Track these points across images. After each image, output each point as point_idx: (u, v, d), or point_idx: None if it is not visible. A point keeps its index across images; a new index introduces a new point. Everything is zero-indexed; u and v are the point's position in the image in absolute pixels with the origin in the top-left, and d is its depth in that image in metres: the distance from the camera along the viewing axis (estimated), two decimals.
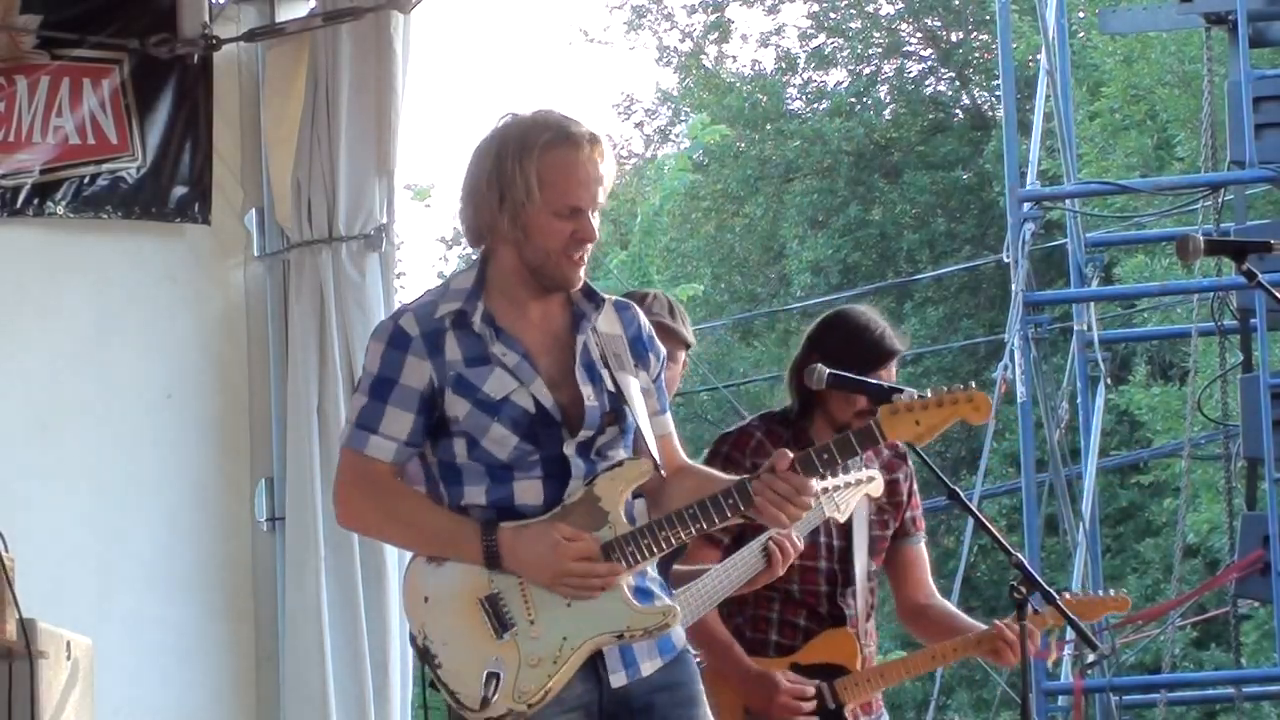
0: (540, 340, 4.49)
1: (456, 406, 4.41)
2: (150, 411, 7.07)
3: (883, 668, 5.77)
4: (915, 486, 5.93)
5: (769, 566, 5.40)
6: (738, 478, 4.45)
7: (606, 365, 4.48)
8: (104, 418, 7.01)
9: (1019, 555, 5.07)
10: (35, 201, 6.94)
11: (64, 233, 7.02)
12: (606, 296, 4.60)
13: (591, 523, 4.38)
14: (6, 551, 5.43)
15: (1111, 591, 6.07)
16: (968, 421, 4.58)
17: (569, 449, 4.44)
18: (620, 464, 4.46)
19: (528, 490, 4.42)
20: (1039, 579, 5.06)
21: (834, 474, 5.32)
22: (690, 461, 4.64)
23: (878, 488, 5.60)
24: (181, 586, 7.02)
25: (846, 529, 5.67)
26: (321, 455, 6.95)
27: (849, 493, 5.51)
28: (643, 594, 4.45)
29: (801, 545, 5.35)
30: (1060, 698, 12.16)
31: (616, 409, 4.47)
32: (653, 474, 4.48)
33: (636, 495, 4.49)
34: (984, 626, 5.73)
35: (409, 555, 4.50)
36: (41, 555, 6.11)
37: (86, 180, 7.02)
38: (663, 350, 4.66)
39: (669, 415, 4.62)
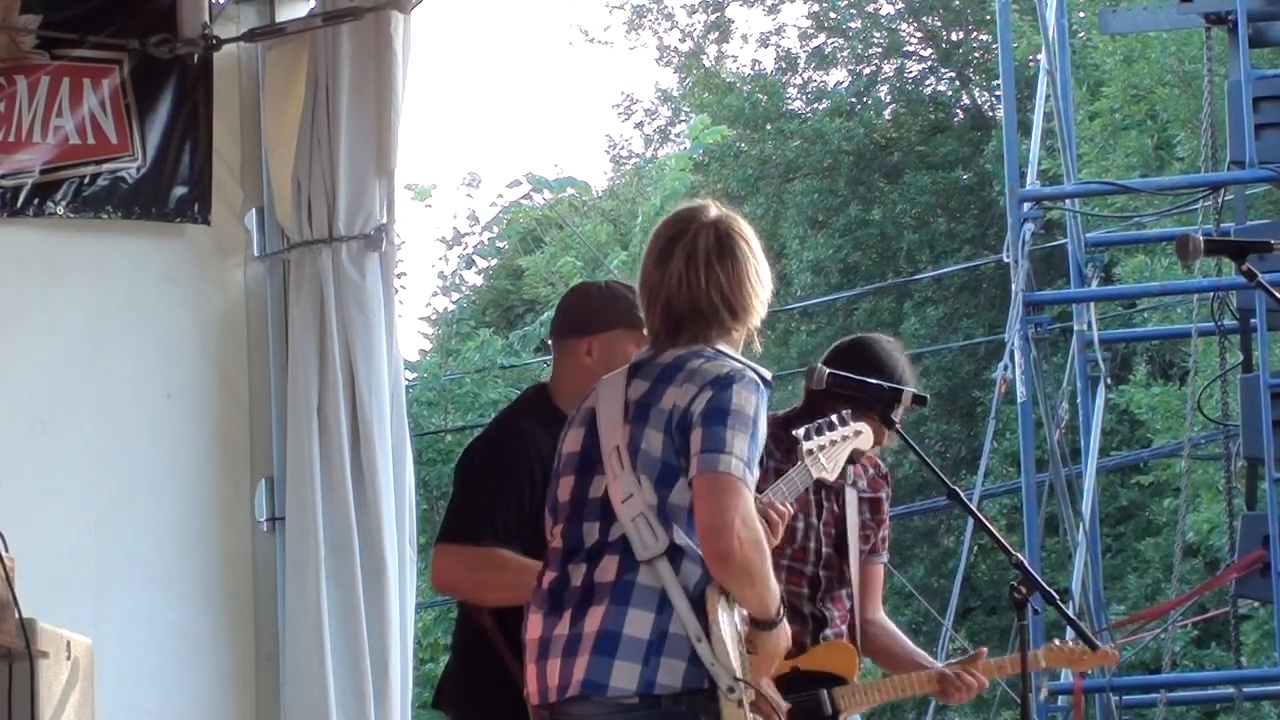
0: None
1: None
2: (150, 411, 7.07)
3: (880, 683, 5.82)
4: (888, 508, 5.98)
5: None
6: None
7: None
8: (103, 418, 7.01)
9: (1019, 555, 5.08)
10: (35, 201, 6.94)
11: (64, 233, 7.02)
12: None
13: None
14: (6, 551, 5.43)
15: (1106, 646, 6.17)
16: None
17: None
18: None
19: None
20: (1039, 579, 5.07)
21: (820, 434, 5.34)
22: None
23: (866, 440, 5.54)
24: (181, 586, 7.01)
25: (837, 538, 5.70)
26: (321, 455, 6.96)
27: (836, 450, 5.46)
28: None
29: (790, 509, 5.24)
30: (1060, 698, 12.16)
31: None
32: None
33: None
34: (926, 657, 5.86)
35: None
36: (41, 555, 6.13)
37: (86, 180, 7.02)
38: None
39: None
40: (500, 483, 5.37)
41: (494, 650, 5.31)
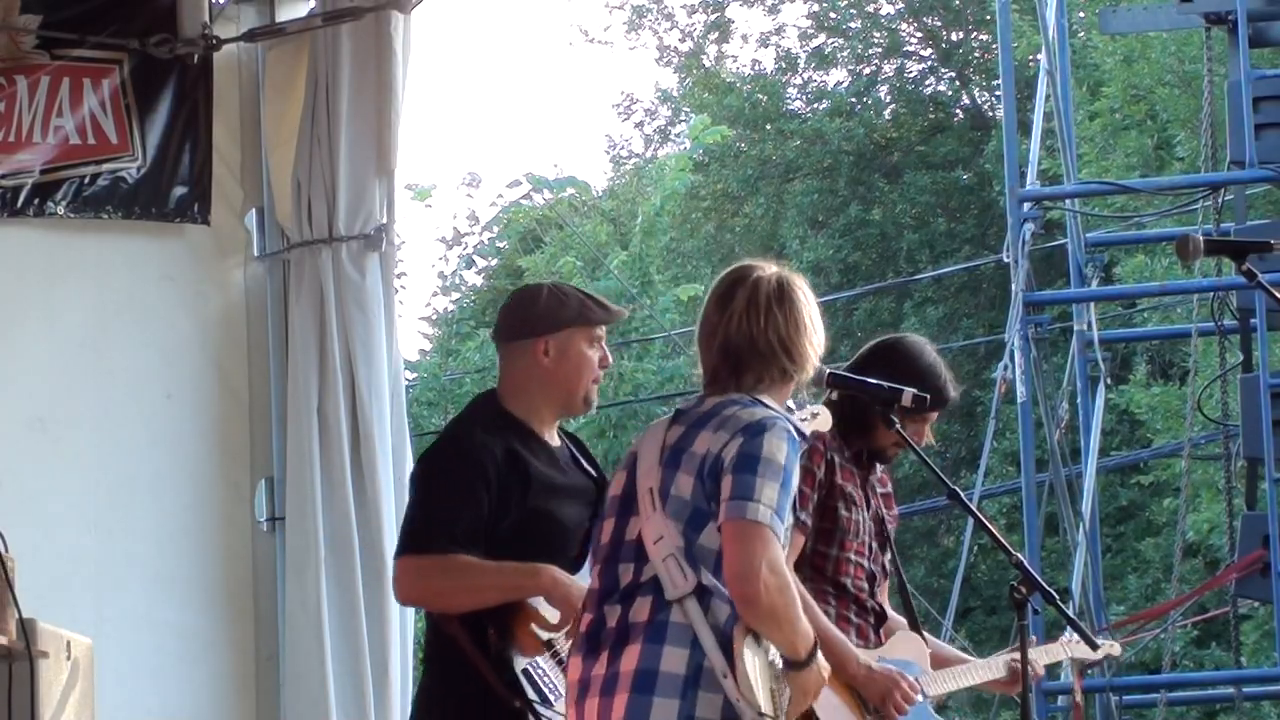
0: None
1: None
2: (150, 411, 7.07)
3: (953, 671, 5.88)
4: None
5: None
6: None
7: None
8: (104, 418, 7.01)
9: (1019, 555, 5.08)
10: (35, 201, 6.94)
11: (64, 233, 7.02)
12: None
13: None
14: (6, 551, 5.43)
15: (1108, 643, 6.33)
16: None
17: None
18: None
19: None
20: (1039, 579, 5.07)
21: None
22: None
23: (825, 421, 5.62)
24: (181, 586, 7.02)
25: (881, 531, 5.73)
26: (321, 455, 6.96)
27: None
28: None
29: None
30: (1060, 698, 12.16)
31: None
32: None
33: None
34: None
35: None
36: (41, 555, 6.13)
37: (86, 180, 7.02)
38: None
39: None
40: (455, 490, 5.33)
41: (465, 658, 5.28)
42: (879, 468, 5.88)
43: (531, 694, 5.20)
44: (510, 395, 5.53)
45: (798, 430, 4.81)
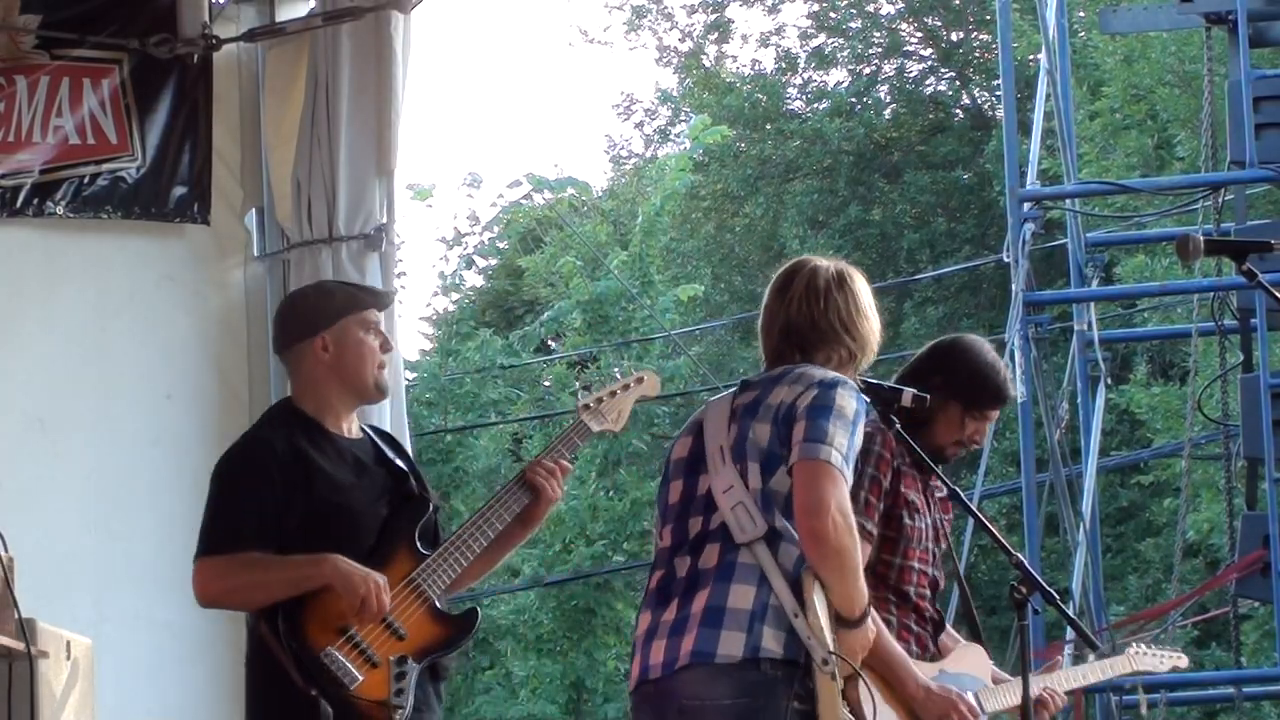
0: None
1: None
2: (150, 411, 7.07)
3: (1009, 686, 5.77)
4: None
5: (539, 495, 5.61)
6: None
7: None
8: (104, 418, 7.01)
9: (1019, 555, 5.07)
10: (35, 201, 6.94)
11: (64, 233, 7.02)
12: None
13: None
14: (6, 551, 5.43)
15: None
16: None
17: None
18: None
19: None
20: (1039, 579, 5.06)
21: (597, 389, 5.74)
22: None
23: (653, 386, 5.79)
24: (181, 586, 6.94)
25: (939, 539, 5.68)
26: None
27: (617, 401, 5.77)
28: None
29: (569, 465, 5.69)
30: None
31: None
32: None
33: None
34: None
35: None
36: (41, 555, 6.12)
37: (86, 180, 7.02)
38: None
39: None
40: (242, 490, 5.44)
41: (270, 653, 5.36)
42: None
43: (327, 681, 5.24)
44: (301, 396, 5.62)
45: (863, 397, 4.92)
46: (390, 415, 7.06)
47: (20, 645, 5.32)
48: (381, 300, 5.75)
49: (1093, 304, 13.43)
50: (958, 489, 5.30)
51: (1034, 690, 5.79)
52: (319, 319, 5.58)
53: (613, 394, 5.78)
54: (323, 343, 5.57)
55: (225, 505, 5.45)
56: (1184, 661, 6.66)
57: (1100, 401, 13.51)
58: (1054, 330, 15.08)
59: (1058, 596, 5.26)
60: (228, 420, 7.14)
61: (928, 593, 5.67)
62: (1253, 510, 11.98)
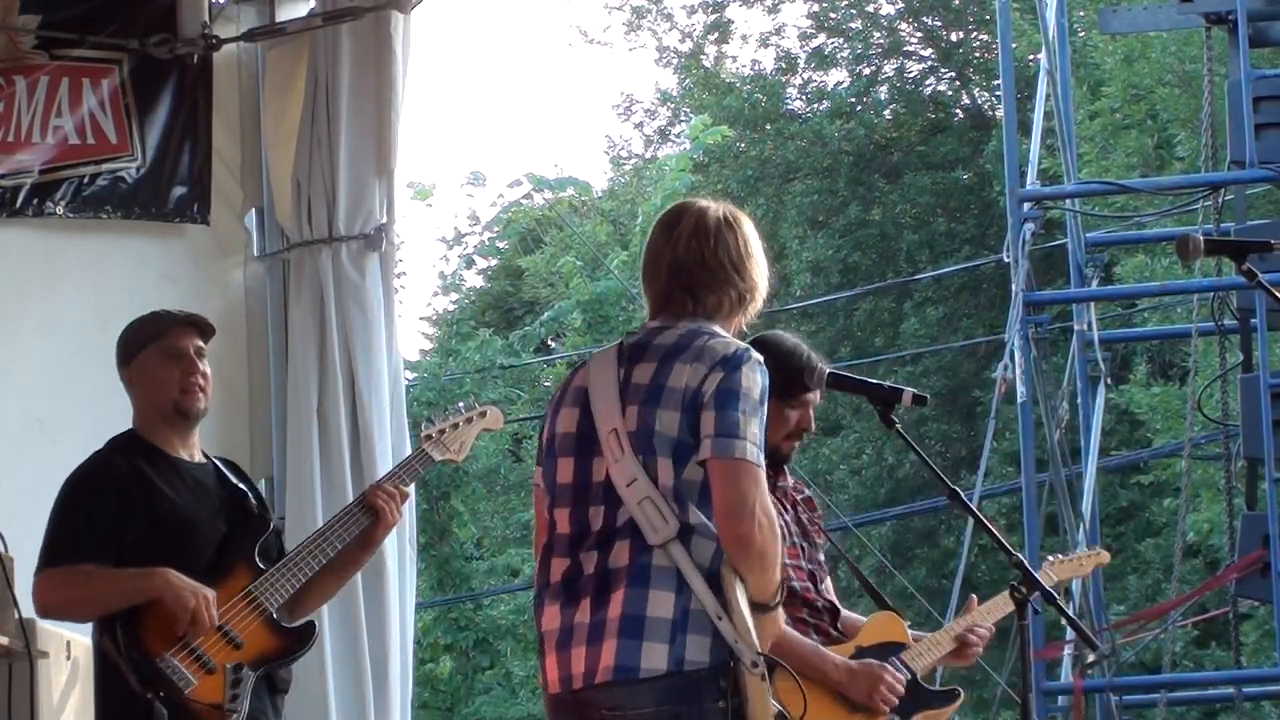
0: None
1: None
2: None
3: (934, 638, 5.84)
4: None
5: (378, 519, 5.77)
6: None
7: None
8: (104, 418, 6.98)
9: (1019, 555, 5.08)
10: (35, 201, 6.94)
11: (63, 233, 7.02)
12: None
13: None
14: (6, 551, 5.44)
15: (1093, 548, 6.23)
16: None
17: None
18: None
19: None
20: (1039, 579, 5.07)
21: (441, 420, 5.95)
22: None
23: (496, 420, 5.94)
24: None
25: (806, 532, 5.73)
26: (321, 456, 6.95)
27: (460, 433, 5.97)
28: None
29: (408, 491, 5.93)
30: (1060, 698, 12.15)
31: None
32: None
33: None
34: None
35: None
36: None
37: (86, 180, 7.02)
38: None
39: None
40: (79, 507, 5.61)
41: (111, 663, 5.48)
42: (790, 476, 5.83)
43: (164, 685, 5.38)
44: (137, 422, 5.82)
45: (761, 362, 4.72)
46: (390, 416, 7.07)
47: (20, 645, 5.32)
48: (196, 321, 5.87)
49: (1092, 304, 13.43)
50: (957, 489, 5.30)
51: (956, 631, 5.88)
52: (126, 351, 5.81)
53: (455, 425, 5.97)
54: (129, 375, 5.79)
55: (65, 521, 5.61)
56: (1105, 557, 6.68)
57: (1100, 401, 13.51)
58: (1054, 330, 15.08)
59: (1058, 596, 5.27)
60: (228, 420, 7.13)
61: (810, 584, 5.71)
62: (1253, 510, 11.97)
